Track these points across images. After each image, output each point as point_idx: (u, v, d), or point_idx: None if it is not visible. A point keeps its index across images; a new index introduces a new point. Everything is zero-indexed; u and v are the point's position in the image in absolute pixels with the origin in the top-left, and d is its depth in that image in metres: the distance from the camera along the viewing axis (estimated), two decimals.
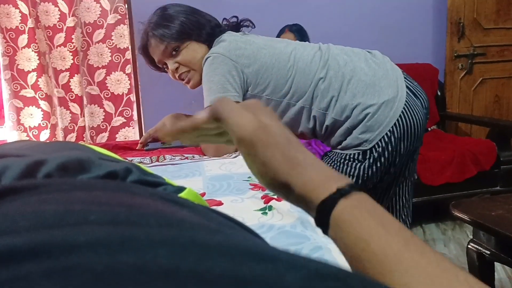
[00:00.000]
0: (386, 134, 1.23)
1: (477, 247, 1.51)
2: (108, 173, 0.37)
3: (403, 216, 1.44)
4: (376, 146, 1.24)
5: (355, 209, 0.33)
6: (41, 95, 2.33)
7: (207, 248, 0.19)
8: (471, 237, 1.57)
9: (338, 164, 1.30)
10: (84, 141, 2.44)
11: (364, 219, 0.32)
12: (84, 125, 2.45)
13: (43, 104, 2.34)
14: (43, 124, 2.36)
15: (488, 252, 1.47)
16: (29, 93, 2.32)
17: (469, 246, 1.54)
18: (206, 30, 1.31)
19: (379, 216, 0.33)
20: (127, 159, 1.24)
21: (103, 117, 2.50)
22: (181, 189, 0.46)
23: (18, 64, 2.28)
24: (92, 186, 0.30)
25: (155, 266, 0.17)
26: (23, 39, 2.26)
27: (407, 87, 1.28)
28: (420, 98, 1.30)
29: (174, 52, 1.32)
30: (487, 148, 2.46)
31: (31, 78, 2.31)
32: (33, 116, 2.35)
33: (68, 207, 0.23)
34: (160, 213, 0.25)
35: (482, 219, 1.42)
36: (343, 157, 1.29)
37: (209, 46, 1.31)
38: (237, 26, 1.39)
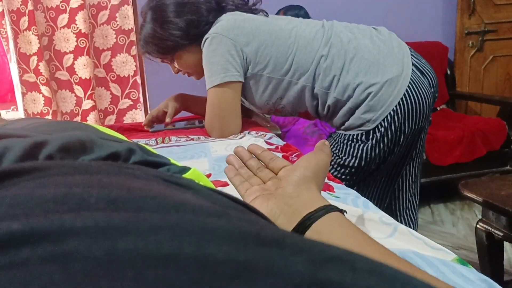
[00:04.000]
0: (390, 113, 1.21)
1: (486, 226, 1.50)
2: (110, 154, 0.37)
3: (410, 197, 1.42)
4: (379, 126, 1.22)
5: (333, 222, 0.47)
6: (42, 80, 2.32)
7: (210, 232, 0.19)
8: (480, 217, 1.56)
9: (341, 145, 1.29)
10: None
11: (339, 231, 0.46)
12: (88, 109, 2.45)
13: (44, 89, 2.33)
14: (45, 110, 2.35)
15: (497, 232, 1.46)
16: (31, 77, 2.30)
17: (478, 226, 1.53)
18: (191, 33, 1.28)
19: (351, 229, 0.46)
20: (132, 141, 1.24)
21: (110, 99, 2.49)
22: (185, 169, 0.45)
23: (20, 48, 2.26)
24: (92, 169, 0.30)
25: (156, 251, 0.17)
26: (24, 21, 2.24)
27: (413, 64, 1.25)
28: (428, 76, 1.27)
29: (169, 61, 1.37)
30: (497, 127, 2.43)
31: (33, 62, 2.29)
32: (35, 102, 2.34)
33: (67, 191, 0.23)
34: (162, 196, 0.24)
35: (491, 198, 1.41)
36: (346, 138, 1.28)
37: (201, 42, 1.29)
38: (247, 6, 1.36)
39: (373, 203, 0.77)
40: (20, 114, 2.32)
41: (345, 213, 0.51)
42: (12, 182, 0.25)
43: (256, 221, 0.25)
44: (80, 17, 2.33)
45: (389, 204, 1.41)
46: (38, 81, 2.31)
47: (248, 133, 1.31)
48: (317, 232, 0.47)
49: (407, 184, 1.40)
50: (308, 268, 0.17)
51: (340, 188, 0.85)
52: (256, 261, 0.17)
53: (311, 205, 0.50)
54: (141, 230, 0.18)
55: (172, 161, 0.44)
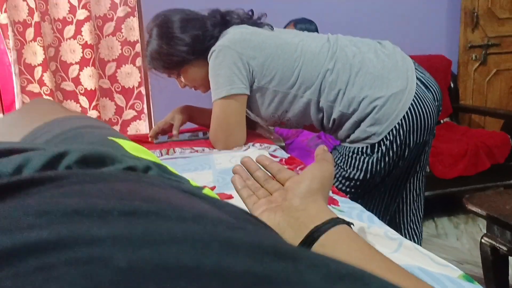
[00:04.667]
0: (395, 127, 1.22)
1: (490, 241, 1.49)
2: (127, 167, 0.37)
3: (414, 210, 1.42)
4: (385, 139, 1.22)
5: (341, 235, 0.47)
6: (46, 90, 2.33)
7: (229, 244, 0.19)
8: (485, 231, 1.55)
9: (346, 158, 1.29)
10: None
11: (346, 245, 0.46)
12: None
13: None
14: None
15: (502, 247, 1.45)
16: (35, 88, 2.32)
17: (482, 240, 1.52)
18: (197, 48, 1.29)
19: (357, 243, 0.46)
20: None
21: (115, 110, 2.50)
22: (200, 188, 0.46)
23: (25, 58, 2.28)
24: (113, 178, 0.31)
25: (177, 262, 0.17)
26: (30, 33, 2.27)
27: (418, 78, 1.25)
28: (432, 90, 1.28)
29: (176, 75, 1.39)
30: (501, 140, 2.42)
31: (37, 72, 2.31)
32: None
33: (90, 199, 0.24)
34: (181, 207, 0.25)
35: (496, 212, 1.40)
36: (352, 150, 1.28)
37: (207, 56, 1.30)
38: (253, 20, 1.37)
39: (378, 216, 0.77)
40: None
41: (352, 226, 0.51)
42: (36, 190, 0.26)
43: (270, 234, 0.26)
44: (86, 29, 2.35)
45: (393, 217, 1.41)
46: (42, 92, 2.33)
47: (252, 145, 1.32)
48: (324, 245, 0.47)
49: (411, 197, 1.40)
50: (323, 284, 0.17)
51: (345, 202, 0.85)
52: (273, 274, 0.17)
53: (318, 218, 0.50)
54: (163, 240, 0.18)
55: (191, 182, 0.45)
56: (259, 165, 0.65)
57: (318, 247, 0.47)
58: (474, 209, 1.46)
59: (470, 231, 2.35)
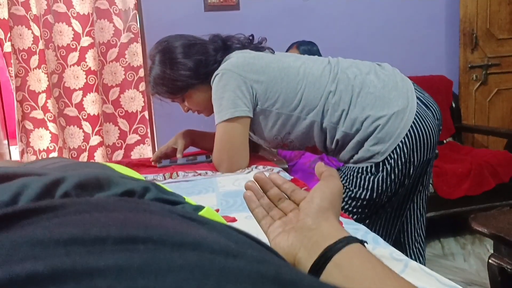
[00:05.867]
0: (398, 145, 1.22)
1: (498, 261, 1.47)
2: (125, 191, 0.37)
3: (418, 230, 1.41)
4: (389, 158, 1.23)
5: (354, 254, 0.46)
6: (49, 117, 2.36)
7: (228, 273, 0.19)
8: (492, 251, 1.53)
9: (351, 178, 1.29)
10: (94, 159, 2.46)
11: (360, 264, 0.45)
12: (96, 144, 2.47)
13: (51, 126, 2.37)
14: (51, 147, 2.38)
15: (510, 267, 1.42)
16: (39, 114, 2.35)
17: (490, 260, 1.50)
18: (200, 72, 1.31)
19: (371, 262, 0.45)
20: (146, 178, 1.24)
21: (118, 135, 2.52)
22: (200, 207, 0.46)
23: (29, 85, 2.32)
24: (109, 206, 0.30)
25: None
26: (34, 60, 2.30)
27: (418, 98, 1.27)
28: (432, 109, 1.29)
29: (180, 100, 1.40)
30: (505, 159, 2.41)
31: (41, 99, 2.34)
32: (42, 139, 2.37)
33: (85, 230, 0.23)
34: (179, 233, 0.24)
35: (502, 232, 1.38)
36: (356, 170, 1.28)
37: (210, 80, 1.31)
38: (254, 45, 1.39)
39: (382, 237, 0.77)
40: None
41: (365, 244, 0.50)
42: (30, 221, 0.26)
43: (271, 260, 0.26)
44: (90, 55, 2.39)
45: (398, 237, 1.40)
46: (46, 118, 2.36)
47: (256, 167, 1.32)
48: (337, 264, 0.46)
49: (415, 216, 1.39)
50: None
51: (349, 224, 0.84)
52: None
53: (331, 237, 0.49)
54: (161, 269, 0.18)
55: (187, 199, 0.45)
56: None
57: (331, 266, 0.46)
58: (480, 229, 1.45)
59: (478, 252, 2.32)
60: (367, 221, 1.29)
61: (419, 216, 1.40)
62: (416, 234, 1.41)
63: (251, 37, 1.41)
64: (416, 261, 0.71)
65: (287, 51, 2.36)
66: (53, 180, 0.35)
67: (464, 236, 2.50)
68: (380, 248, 0.70)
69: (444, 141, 2.84)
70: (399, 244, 1.40)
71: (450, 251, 2.35)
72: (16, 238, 0.22)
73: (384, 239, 0.76)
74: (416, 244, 1.41)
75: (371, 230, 0.81)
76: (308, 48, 2.26)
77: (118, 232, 0.23)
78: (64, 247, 0.21)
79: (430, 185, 1.90)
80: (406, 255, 1.38)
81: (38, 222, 0.26)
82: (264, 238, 0.50)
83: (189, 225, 0.28)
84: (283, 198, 0.61)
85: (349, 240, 0.48)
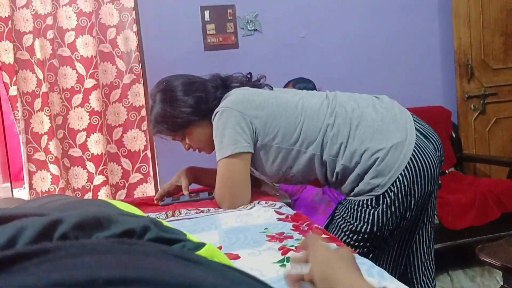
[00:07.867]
0: (398, 178, 1.22)
1: None
2: (124, 231, 0.37)
3: (426, 263, 1.38)
4: (389, 191, 1.23)
5: None
6: (51, 158, 2.38)
7: None
8: (502, 283, 1.50)
9: (352, 211, 1.28)
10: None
11: None
12: (100, 184, 2.48)
13: (53, 167, 2.39)
14: (52, 188, 2.39)
15: None
16: (41, 156, 2.37)
17: None
18: (201, 109, 1.34)
19: None
20: (148, 216, 1.24)
21: (121, 174, 2.53)
22: (201, 245, 0.45)
23: (32, 127, 2.35)
24: (102, 248, 0.31)
25: None
26: (37, 103, 2.35)
27: (417, 129, 1.28)
28: (432, 140, 1.30)
29: (181, 138, 1.41)
30: (509, 188, 2.40)
31: (44, 141, 2.37)
32: (44, 180, 2.39)
33: (72, 274, 0.23)
34: (172, 274, 0.24)
35: (511, 263, 1.36)
36: (356, 203, 1.27)
37: (211, 117, 1.33)
38: (252, 82, 1.42)
39: (388, 271, 0.76)
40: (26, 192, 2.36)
41: None
42: (20, 266, 0.26)
43: None
44: (93, 97, 2.44)
45: (405, 271, 1.37)
46: (47, 160, 2.38)
47: (258, 203, 1.32)
48: None
49: (422, 249, 1.37)
50: None
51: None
52: None
53: None
54: None
55: (189, 236, 0.45)
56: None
57: None
58: (488, 260, 1.43)
59: (487, 284, 2.27)
60: (371, 255, 1.28)
61: (425, 249, 1.38)
62: (423, 268, 1.38)
63: (249, 75, 1.44)
64: None
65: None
66: (51, 221, 0.35)
67: (472, 268, 2.45)
68: (385, 282, 0.69)
69: (446, 171, 2.84)
70: (406, 279, 1.37)
71: (460, 285, 2.30)
72: (4, 285, 0.22)
73: (390, 274, 0.75)
74: (424, 278, 1.38)
75: (376, 265, 0.80)
76: (304, 85, 2.29)
77: (109, 274, 0.23)
78: None
79: (435, 216, 1.88)
80: None
81: (28, 268, 0.26)
82: (266, 277, 0.50)
83: (185, 266, 0.28)
84: None
85: None
